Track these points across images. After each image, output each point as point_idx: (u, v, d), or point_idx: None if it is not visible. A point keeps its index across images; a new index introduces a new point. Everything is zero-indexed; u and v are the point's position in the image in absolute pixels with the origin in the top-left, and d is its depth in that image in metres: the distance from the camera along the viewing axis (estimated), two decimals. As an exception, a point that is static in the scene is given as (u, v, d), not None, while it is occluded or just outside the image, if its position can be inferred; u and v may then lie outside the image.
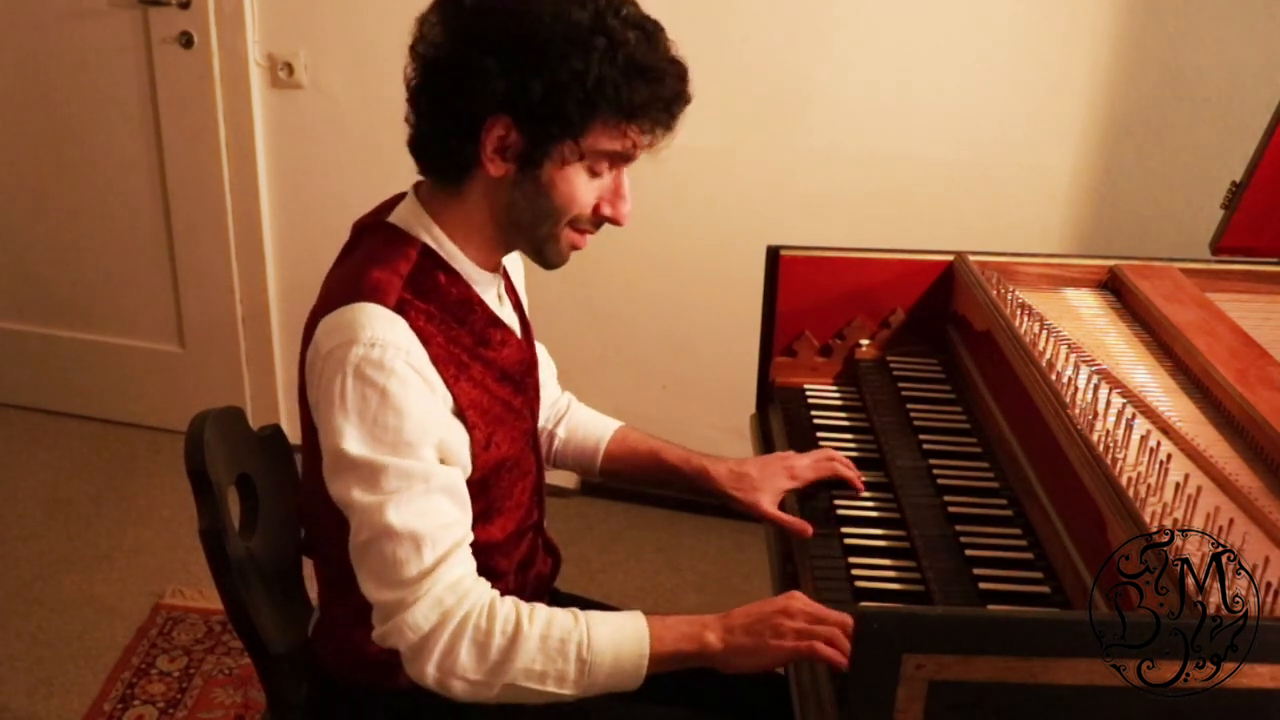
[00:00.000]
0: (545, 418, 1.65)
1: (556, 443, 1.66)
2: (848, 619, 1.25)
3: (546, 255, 1.34)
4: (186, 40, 2.94)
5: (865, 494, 1.61)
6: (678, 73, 1.27)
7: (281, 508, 1.57)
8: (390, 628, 1.24)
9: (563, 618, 1.26)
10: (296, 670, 1.49)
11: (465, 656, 1.23)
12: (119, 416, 3.44)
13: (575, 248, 1.35)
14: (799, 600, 1.29)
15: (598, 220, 1.33)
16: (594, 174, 1.29)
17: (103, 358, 3.40)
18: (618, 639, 1.26)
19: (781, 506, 1.59)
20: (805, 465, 1.61)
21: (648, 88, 1.23)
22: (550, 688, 1.25)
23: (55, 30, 3.05)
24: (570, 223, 1.31)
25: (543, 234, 1.31)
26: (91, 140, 3.15)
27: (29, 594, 2.69)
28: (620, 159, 1.29)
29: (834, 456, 1.63)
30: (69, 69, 3.08)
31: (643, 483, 1.68)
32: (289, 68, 2.94)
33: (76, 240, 3.29)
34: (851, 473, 1.60)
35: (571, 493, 3.13)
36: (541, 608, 1.27)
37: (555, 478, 2.91)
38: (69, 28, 3.04)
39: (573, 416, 1.67)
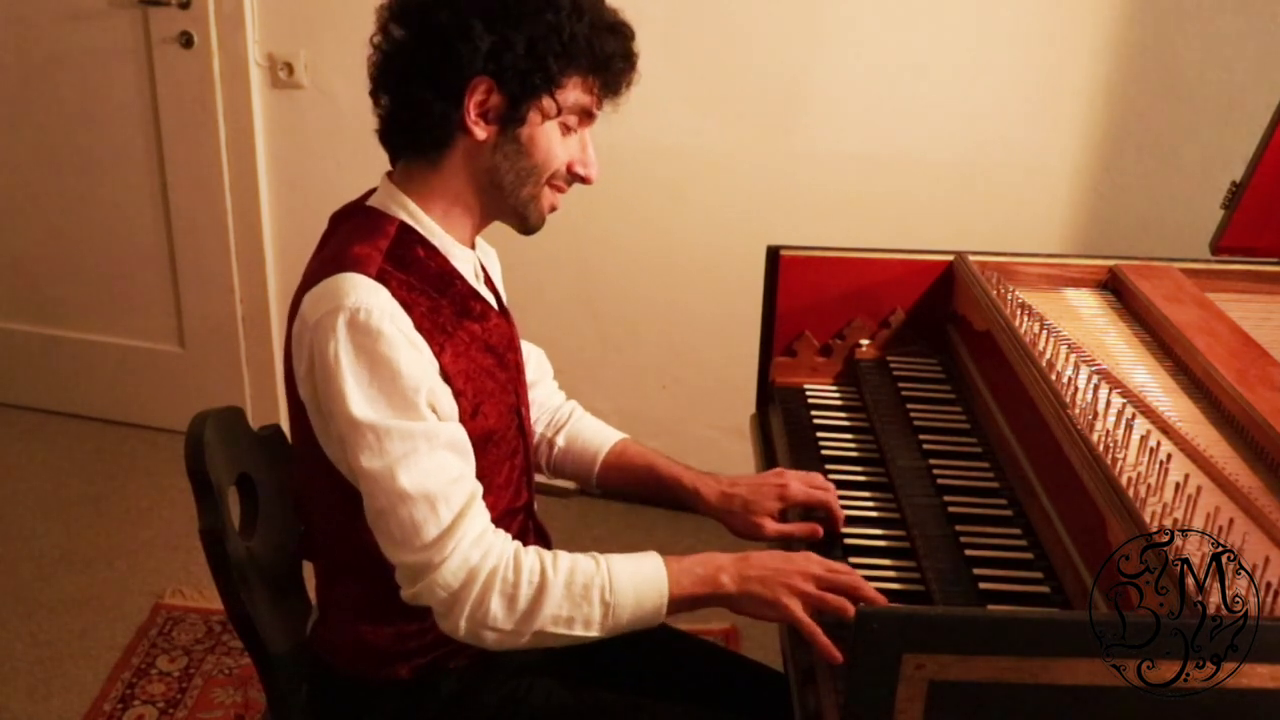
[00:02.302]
0: (545, 425, 1.65)
1: (555, 451, 1.65)
2: (859, 584, 1.29)
3: (528, 217, 1.39)
4: (186, 40, 2.94)
5: (865, 494, 1.60)
6: (631, 32, 1.37)
7: (281, 508, 1.57)
8: (421, 588, 1.26)
9: (585, 563, 1.29)
10: (296, 670, 1.49)
11: (495, 609, 1.25)
12: (119, 416, 3.44)
13: (553, 208, 1.40)
14: (816, 564, 1.31)
15: (570, 179, 1.39)
16: (566, 130, 1.35)
17: (103, 358, 3.40)
18: (638, 582, 1.29)
19: (781, 514, 1.56)
20: (798, 489, 1.54)
21: (614, 40, 1.33)
22: (578, 631, 1.28)
23: (55, 30, 3.05)
24: (548, 181, 1.37)
25: (525, 195, 1.36)
26: (91, 140, 3.15)
27: (29, 594, 2.69)
28: (586, 115, 1.37)
29: (828, 488, 1.56)
30: (69, 69, 3.08)
31: (638, 497, 1.67)
32: (289, 68, 2.94)
33: (76, 240, 3.29)
34: (839, 511, 1.53)
35: (571, 493, 3.13)
36: (563, 555, 1.30)
37: (555, 478, 2.91)
38: (69, 28, 3.04)
39: (574, 425, 1.66)
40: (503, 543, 1.28)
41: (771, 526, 1.53)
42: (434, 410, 1.28)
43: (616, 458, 1.63)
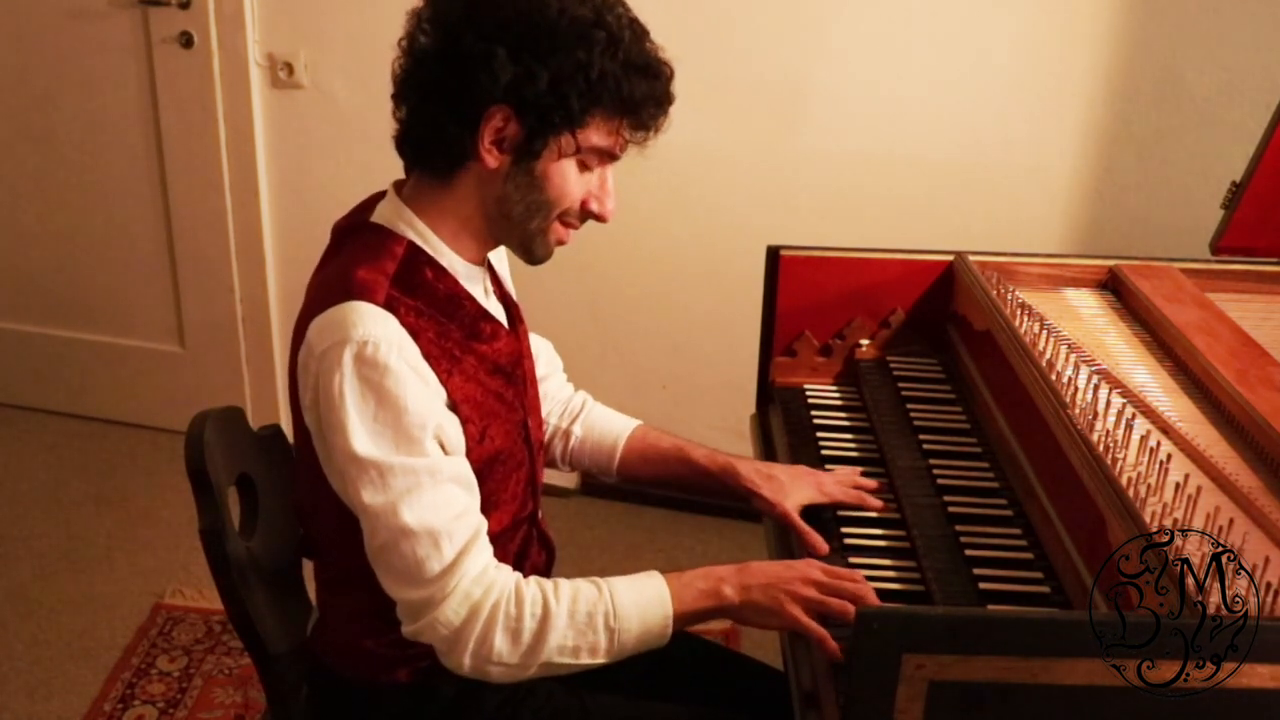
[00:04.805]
0: (558, 416, 1.65)
1: (573, 441, 1.64)
2: (864, 592, 1.29)
3: (534, 250, 1.36)
4: (186, 40, 2.94)
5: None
6: (669, 73, 1.31)
7: (281, 508, 1.57)
8: (422, 625, 1.25)
9: (587, 590, 1.28)
10: (296, 670, 1.49)
11: (500, 644, 1.24)
12: (119, 416, 3.44)
13: (561, 242, 1.37)
14: (817, 570, 1.31)
15: (584, 216, 1.35)
16: (584, 169, 1.31)
17: (103, 358, 3.40)
18: (641, 603, 1.28)
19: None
20: (833, 484, 1.56)
21: (645, 84, 1.27)
22: (584, 660, 1.27)
23: (55, 30, 3.05)
24: (559, 216, 1.33)
25: (533, 228, 1.33)
26: (91, 140, 3.15)
27: (29, 594, 2.69)
28: (609, 156, 1.32)
29: (861, 484, 1.59)
30: (69, 69, 3.08)
31: (661, 483, 1.66)
32: (289, 68, 2.94)
33: (76, 240, 3.29)
34: (875, 502, 1.56)
35: (571, 493, 3.13)
36: (565, 582, 1.29)
37: (555, 478, 2.91)
38: (69, 28, 3.04)
39: (589, 415, 1.65)
40: (505, 577, 1.27)
41: (793, 512, 1.52)
42: (441, 443, 1.27)
43: (639, 442, 1.62)
